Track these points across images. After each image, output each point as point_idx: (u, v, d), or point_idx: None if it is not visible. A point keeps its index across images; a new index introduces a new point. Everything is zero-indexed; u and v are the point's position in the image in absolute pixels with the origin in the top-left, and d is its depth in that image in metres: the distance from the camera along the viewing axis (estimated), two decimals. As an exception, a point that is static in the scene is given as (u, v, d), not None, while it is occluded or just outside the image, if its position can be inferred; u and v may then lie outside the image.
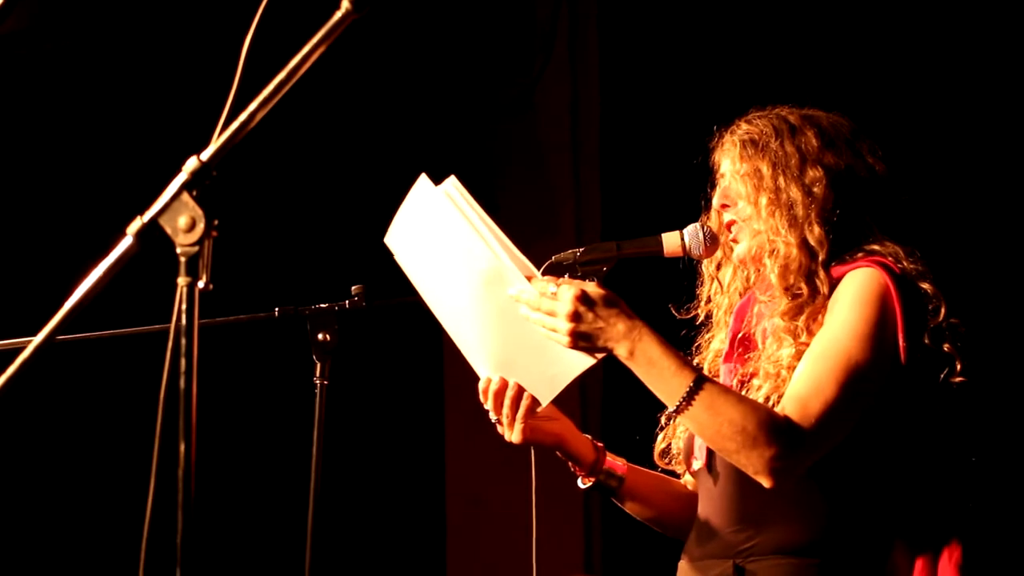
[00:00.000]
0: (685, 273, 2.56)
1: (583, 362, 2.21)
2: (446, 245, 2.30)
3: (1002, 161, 4.16)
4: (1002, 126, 4.16)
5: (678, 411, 2.17)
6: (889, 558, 2.28)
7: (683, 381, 2.16)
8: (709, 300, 2.54)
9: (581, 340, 2.17)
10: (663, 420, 2.54)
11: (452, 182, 2.30)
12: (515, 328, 2.24)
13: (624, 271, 2.38)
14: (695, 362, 2.49)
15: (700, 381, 2.16)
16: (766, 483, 2.17)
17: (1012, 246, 4.11)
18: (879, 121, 2.52)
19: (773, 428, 2.14)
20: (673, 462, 2.54)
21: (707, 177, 2.51)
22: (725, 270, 2.51)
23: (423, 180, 2.32)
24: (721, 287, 2.52)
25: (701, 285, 2.56)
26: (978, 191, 4.16)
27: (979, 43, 4.19)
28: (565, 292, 2.17)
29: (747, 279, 2.49)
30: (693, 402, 2.15)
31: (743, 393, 2.28)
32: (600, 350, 2.19)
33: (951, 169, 4.15)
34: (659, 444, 2.54)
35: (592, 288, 2.19)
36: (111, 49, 4.63)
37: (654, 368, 2.17)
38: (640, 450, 2.58)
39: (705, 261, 2.51)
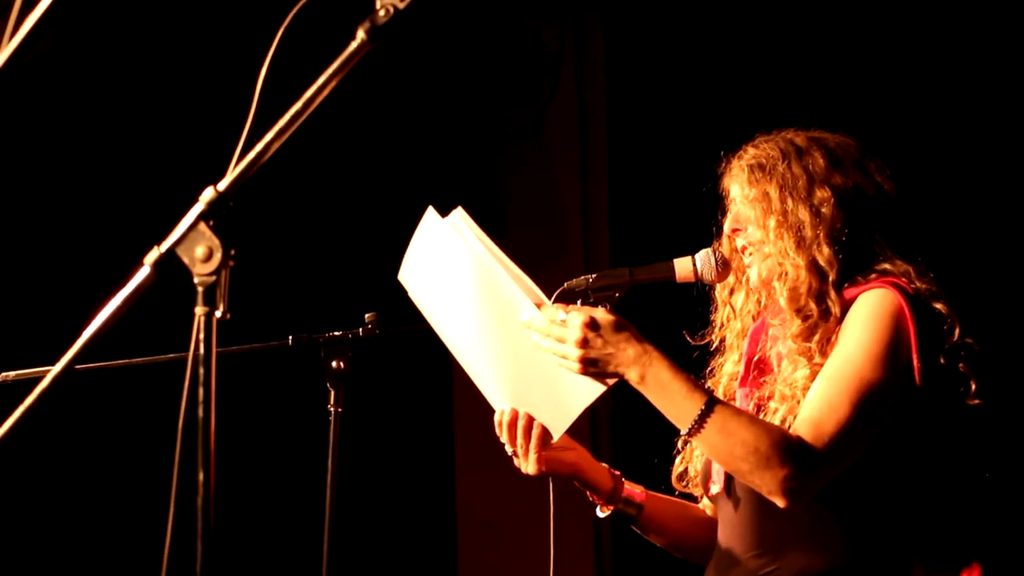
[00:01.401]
0: (699, 299, 2.57)
1: (594, 389, 2.22)
2: (456, 277, 2.30)
3: (1012, 177, 4.16)
4: (1011, 143, 4.16)
5: (690, 434, 2.18)
6: None
7: (695, 404, 2.17)
8: (723, 326, 2.55)
9: (591, 366, 2.18)
10: (679, 443, 2.55)
11: (459, 213, 2.31)
12: (526, 358, 2.25)
13: (637, 296, 2.39)
14: (708, 386, 2.49)
15: (712, 403, 2.17)
16: (780, 503, 2.17)
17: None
18: (887, 138, 2.53)
19: (786, 448, 2.14)
20: (691, 485, 2.54)
21: (716, 200, 2.52)
22: (737, 295, 2.51)
23: (430, 213, 2.33)
24: (734, 312, 2.52)
25: (715, 311, 2.56)
26: (988, 208, 4.16)
27: (989, 60, 4.19)
28: (574, 319, 2.18)
29: (759, 303, 2.49)
30: (705, 425, 2.16)
31: (760, 416, 2.28)
32: (611, 375, 2.19)
33: (961, 186, 4.15)
34: (677, 467, 2.54)
35: (601, 314, 2.20)
36: (129, 82, 4.66)
37: (665, 392, 2.18)
38: (655, 474, 2.58)
39: (718, 286, 2.52)
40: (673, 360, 2.23)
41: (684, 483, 2.54)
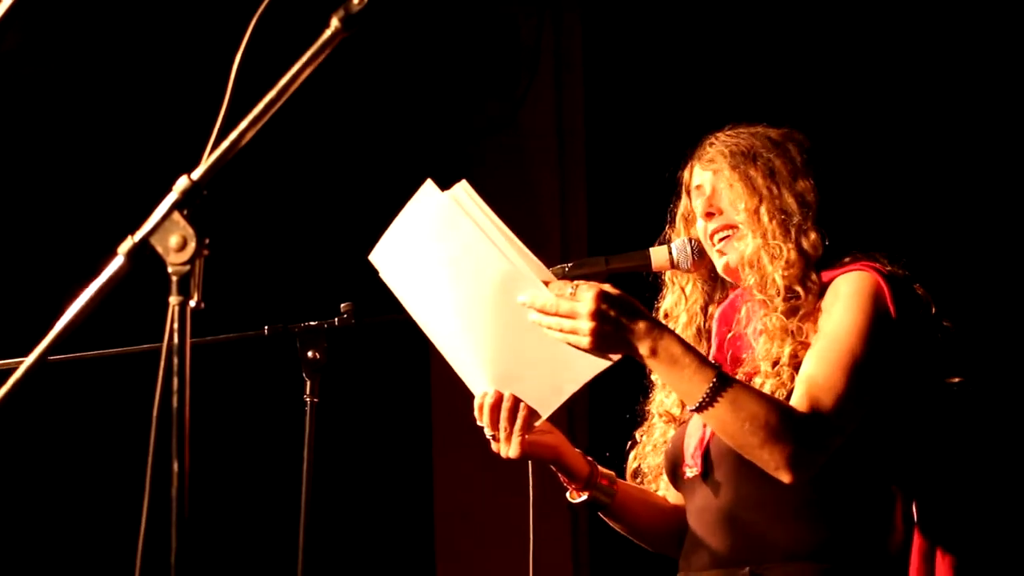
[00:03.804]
0: (649, 286, 2.58)
1: (595, 365, 2.19)
2: (449, 253, 2.26)
3: (982, 166, 4.18)
4: (983, 132, 4.18)
5: (700, 409, 2.18)
6: (904, 559, 2.30)
7: (706, 378, 2.17)
8: (666, 315, 2.56)
9: (603, 340, 2.16)
10: (637, 434, 2.56)
11: (463, 186, 2.26)
12: (522, 337, 2.22)
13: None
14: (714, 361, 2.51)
15: (723, 378, 2.18)
16: (786, 478, 2.18)
17: (993, 251, 4.14)
18: (861, 134, 2.57)
19: (794, 423, 2.17)
20: (644, 482, 2.57)
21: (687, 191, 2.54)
22: (687, 282, 2.54)
23: (428, 185, 2.28)
24: (685, 299, 2.54)
25: (662, 299, 2.58)
26: (959, 197, 4.18)
27: (958, 49, 4.21)
28: (586, 292, 2.16)
29: (706, 292, 2.53)
30: (717, 400, 2.17)
31: None
32: (621, 350, 2.18)
33: (930, 177, 4.17)
34: (631, 464, 2.56)
35: (611, 288, 2.19)
36: (101, 69, 4.63)
37: (676, 366, 2.18)
38: (614, 466, 2.59)
39: (668, 274, 2.54)
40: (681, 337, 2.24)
41: (639, 480, 2.57)
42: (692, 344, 2.27)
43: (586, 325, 2.15)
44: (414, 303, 2.37)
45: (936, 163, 4.18)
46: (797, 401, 2.22)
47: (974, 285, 4.03)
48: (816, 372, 2.23)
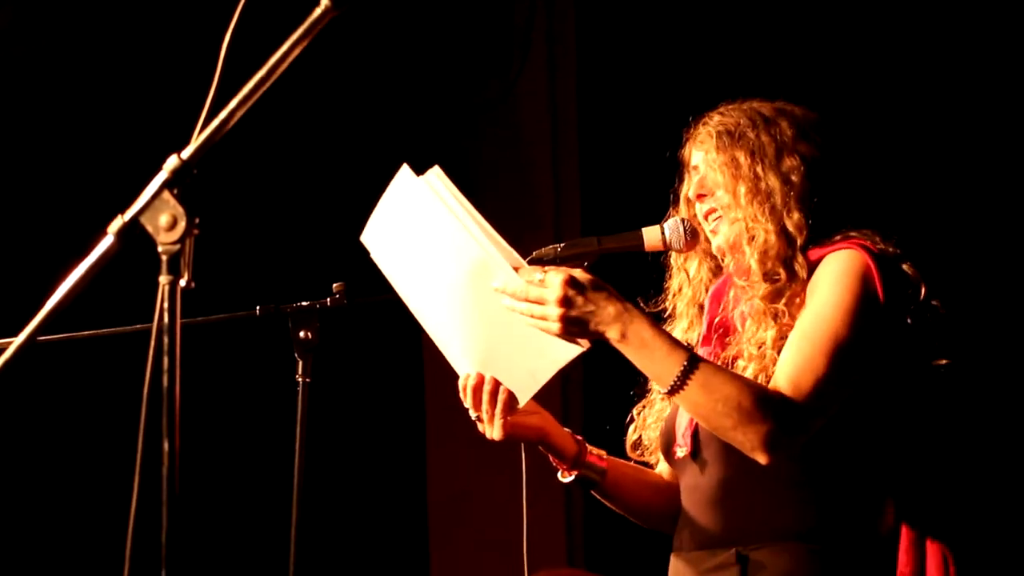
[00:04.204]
0: (656, 266, 2.57)
1: (569, 351, 2.19)
2: (428, 237, 2.27)
3: (977, 147, 4.18)
4: (977, 115, 4.18)
5: (672, 392, 2.17)
6: (894, 540, 2.30)
7: (677, 361, 2.16)
8: (675, 294, 2.56)
9: (572, 325, 2.16)
10: (634, 412, 2.56)
11: (435, 172, 2.27)
12: (497, 322, 2.22)
13: (599, 266, 2.38)
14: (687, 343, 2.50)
15: (694, 360, 2.17)
16: (762, 459, 2.17)
17: (990, 233, 4.14)
18: (854, 112, 2.55)
19: (768, 404, 2.16)
20: (646, 454, 2.54)
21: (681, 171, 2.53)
22: (691, 262, 2.53)
23: (405, 171, 2.30)
24: (688, 279, 2.53)
25: (669, 278, 2.57)
26: (954, 176, 4.18)
27: (952, 32, 4.21)
28: (553, 278, 2.16)
29: (711, 270, 2.51)
30: (688, 382, 2.16)
31: None
32: (591, 335, 2.18)
33: (923, 155, 4.17)
34: (631, 436, 2.54)
35: (580, 273, 2.18)
36: (90, 47, 4.62)
37: (646, 349, 2.17)
38: (613, 442, 2.59)
39: (673, 254, 2.53)
40: (653, 319, 2.23)
41: (639, 452, 2.55)
42: (694, 322, 2.26)
43: (554, 311, 2.15)
44: (402, 285, 2.38)
45: (936, 139, 4.17)
46: (775, 382, 2.20)
47: (970, 263, 4.03)
48: (796, 353, 2.21)
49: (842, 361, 2.20)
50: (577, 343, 2.19)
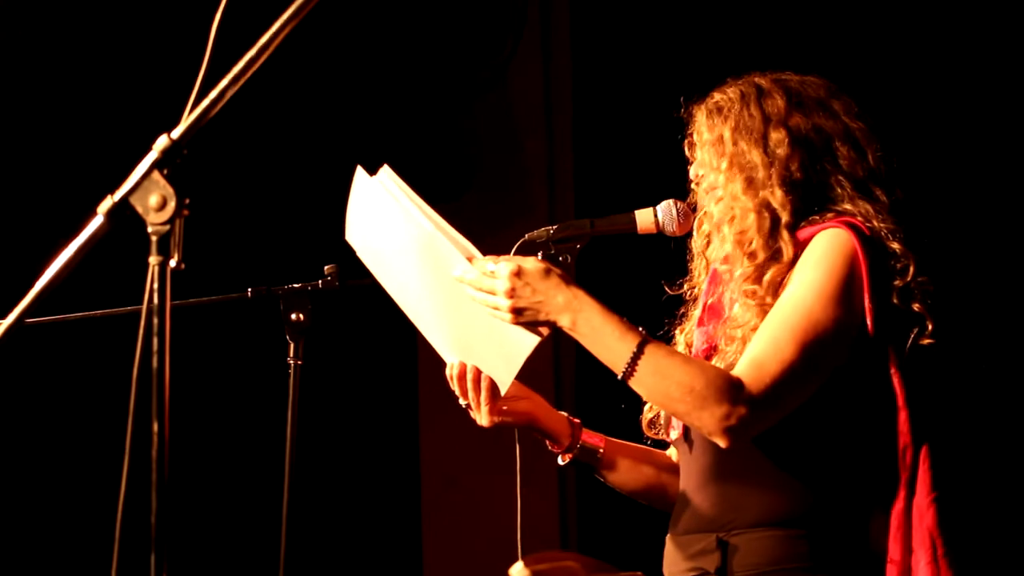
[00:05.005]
0: (680, 250, 2.54)
1: (530, 340, 2.19)
2: (391, 235, 2.30)
3: (976, 126, 4.17)
4: (978, 96, 4.17)
5: (625, 377, 2.15)
6: (870, 525, 2.26)
7: (627, 346, 2.14)
8: (696, 276, 2.52)
9: (522, 315, 2.16)
10: None
11: (385, 171, 2.30)
12: (466, 312, 2.23)
13: (616, 249, 2.35)
14: (677, 332, 2.49)
15: (643, 344, 2.14)
16: (721, 443, 2.15)
17: (989, 209, 4.13)
18: (856, 91, 2.50)
19: (721, 387, 2.12)
20: (661, 432, 2.49)
21: (681, 154, 2.51)
22: (712, 245, 2.50)
23: (359, 173, 2.32)
24: (708, 261, 2.49)
25: (691, 260, 2.53)
26: (954, 151, 4.16)
27: (955, 21, 4.20)
28: (502, 269, 2.16)
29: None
30: (638, 366, 2.13)
31: (714, 358, 2.28)
32: (543, 324, 2.17)
33: (928, 131, 4.16)
34: (647, 414, 2.49)
35: (530, 263, 2.18)
36: (80, 27, 4.59)
37: (597, 335, 2.16)
38: (625, 423, 2.56)
39: (694, 235, 2.48)
40: (607, 304, 2.19)
41: (655, 430, 2.49)
42: None
43: (504, 302, 2.15)
44: (385, 280, 2.40)
45: (935, 125, 4.17)
46: (739, 365, 2.17)
47: (966, 239, 4.02)
48: (766, 337, 2.18)
49: (815, 347, 2.16)
50: (536, 332, 2.18)
